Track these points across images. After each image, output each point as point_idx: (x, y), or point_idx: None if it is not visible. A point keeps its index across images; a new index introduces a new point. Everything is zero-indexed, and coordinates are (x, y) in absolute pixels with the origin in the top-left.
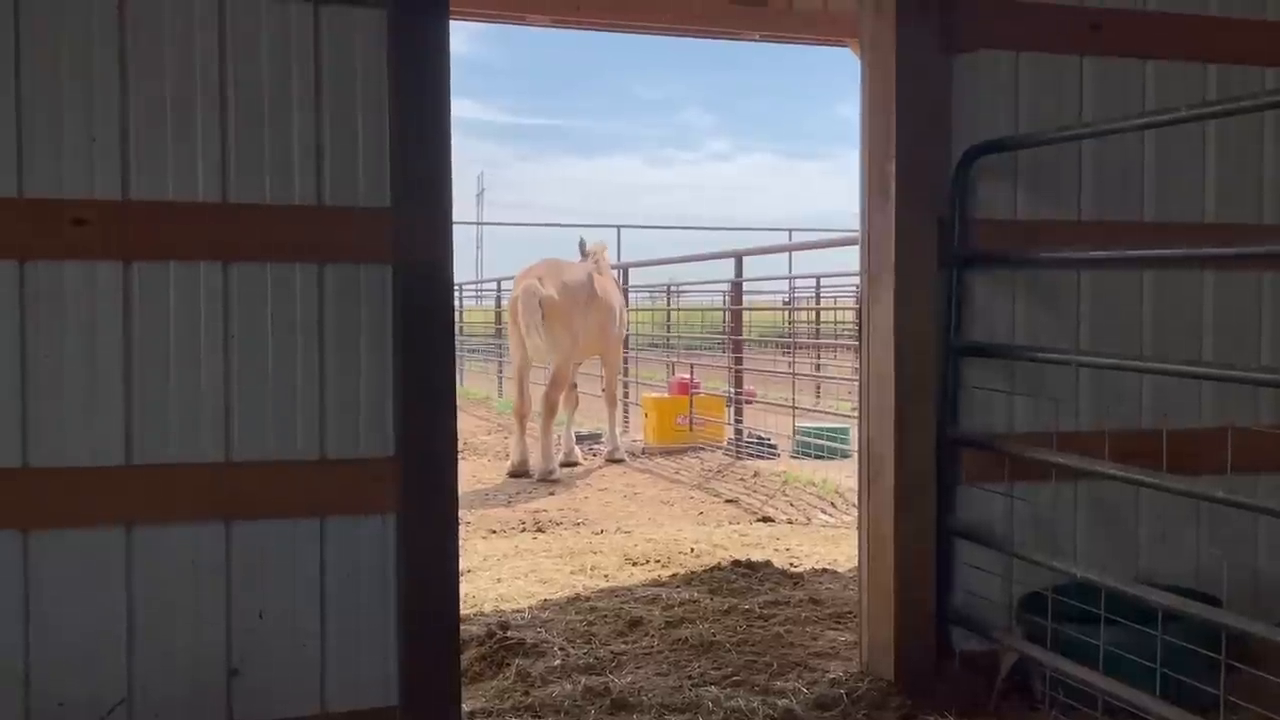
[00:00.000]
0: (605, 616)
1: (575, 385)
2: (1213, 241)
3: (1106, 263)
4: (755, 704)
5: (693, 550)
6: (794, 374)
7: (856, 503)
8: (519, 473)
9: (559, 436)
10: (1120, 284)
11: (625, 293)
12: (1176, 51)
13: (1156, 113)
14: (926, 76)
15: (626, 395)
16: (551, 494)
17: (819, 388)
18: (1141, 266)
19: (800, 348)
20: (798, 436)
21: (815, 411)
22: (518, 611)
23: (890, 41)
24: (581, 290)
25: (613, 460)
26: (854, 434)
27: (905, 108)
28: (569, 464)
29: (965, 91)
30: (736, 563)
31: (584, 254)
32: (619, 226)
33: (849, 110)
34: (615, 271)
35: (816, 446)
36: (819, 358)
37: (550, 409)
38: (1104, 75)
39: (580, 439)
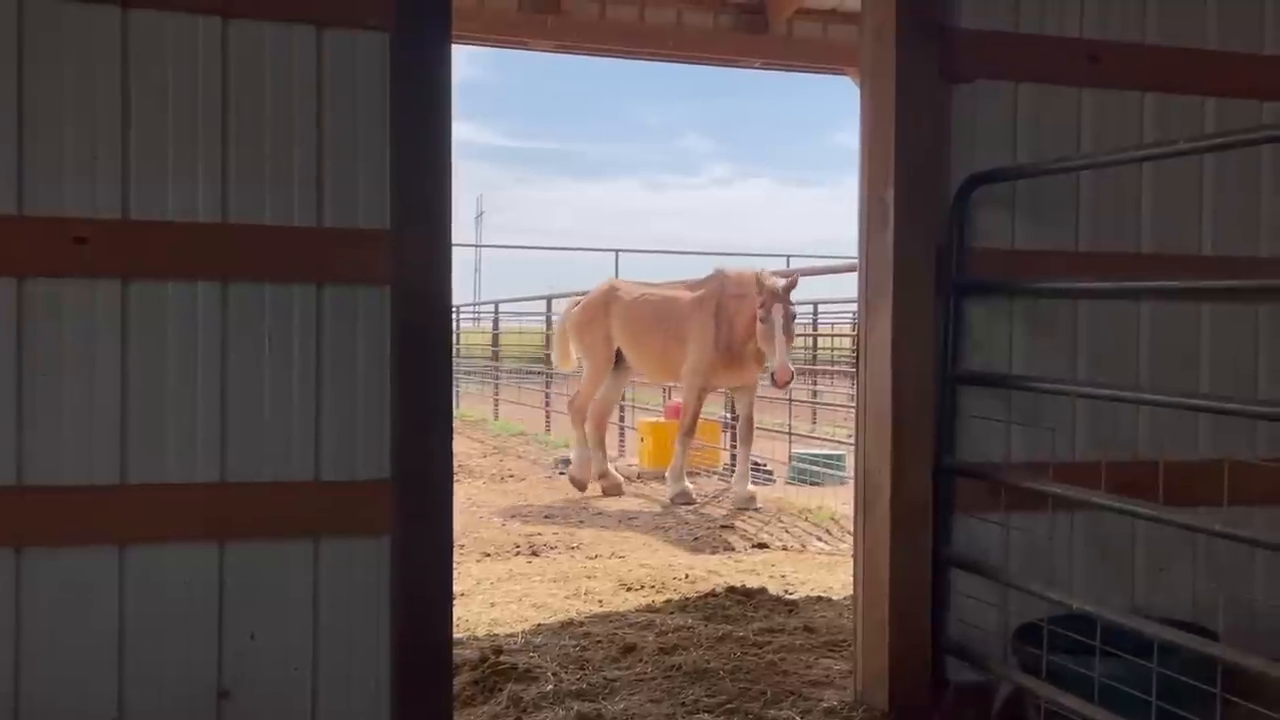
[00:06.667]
0: (599, 642)
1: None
2: (1210, 274)
3: (1104, 293)
4: None
5: (687, 576)
6: (790, 400)
7: (852, 530)
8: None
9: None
10: (1118, 315)
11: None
12: (1175, 84)
13: (1154, 145)
14: (926, 105)
15: (622, 419)
16: (546, 518)
17: (815, 414)
18: (1139, 298)
19: (797, 373)
20: (794, 463)
21: (811, 438)
22: (511, 636)
23: (890, 70)
24: (587, 309)
25: (678, 502)
26: (850, 460)
27: (904, 136)
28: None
29: (964, 121)
30: (731, 589)
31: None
32: (617, 250)
33: (847, 138)
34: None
35: (812, 473)
36: (815, 384)
37: (574, 416)
38: (1103, 107)
39: None
